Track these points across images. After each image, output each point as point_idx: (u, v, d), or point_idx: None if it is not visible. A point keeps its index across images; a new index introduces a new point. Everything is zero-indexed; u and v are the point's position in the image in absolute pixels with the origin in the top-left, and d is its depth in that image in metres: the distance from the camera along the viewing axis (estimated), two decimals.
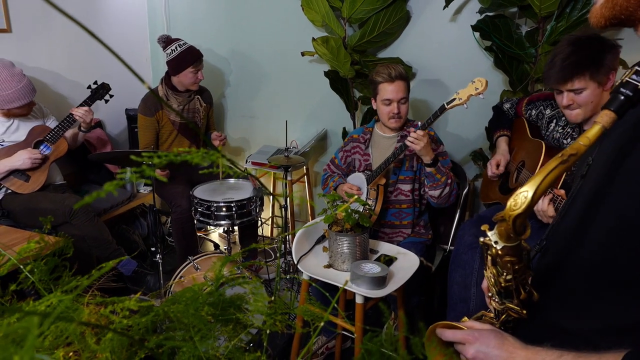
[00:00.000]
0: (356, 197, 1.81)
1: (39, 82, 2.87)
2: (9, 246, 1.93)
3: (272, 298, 0.59)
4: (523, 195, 0.63)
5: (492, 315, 0.88)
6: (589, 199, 0.78)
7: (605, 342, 0.67)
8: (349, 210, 1.71)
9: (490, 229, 0.72)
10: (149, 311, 0.62)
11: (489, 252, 0.73)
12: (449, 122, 2.81)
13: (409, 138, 1.96)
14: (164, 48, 2.79)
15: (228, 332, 0.67)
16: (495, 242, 0.70)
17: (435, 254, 2.40)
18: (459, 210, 2.39)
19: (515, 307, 0.78)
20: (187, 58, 2.76)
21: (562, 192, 1.54)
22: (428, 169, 2.04)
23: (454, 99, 1.91)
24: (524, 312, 0.78)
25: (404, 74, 2.09)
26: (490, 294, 0.84)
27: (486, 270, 0.81)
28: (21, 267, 0.65)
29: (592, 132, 0.64)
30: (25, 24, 2.76)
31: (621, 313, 0.71)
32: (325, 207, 1.77)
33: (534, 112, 2.00)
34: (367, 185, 2.16)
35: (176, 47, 2.77)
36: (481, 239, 0.73)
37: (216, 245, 3.35)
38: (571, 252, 0.79)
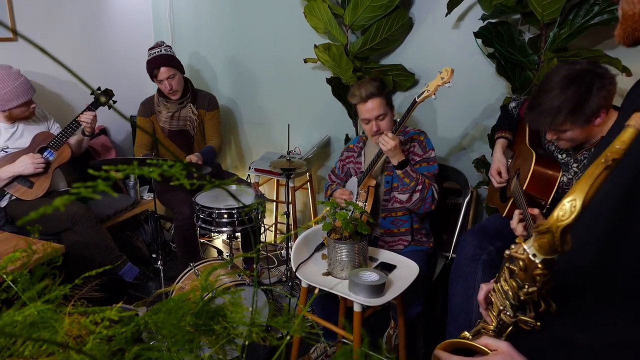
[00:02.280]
0: (351, 202, 1.81)
1: (45, 89, 2.91)
2: (10, 253, 1.95)
3: (250, 309, 0.59)
4: (571, 204, 0.59)
5: (491, 327, 0.87)
6: (598, 209, 0.75)
7: (613, 358, 0.65)
8: (347, 218, 1.71)
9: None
10: (130, 321, 0.62)
11: (511, 265, 0.69)
12: (451, 129, 2.80)
13: (379, 139, 1.99)
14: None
15: (211, 342, 0.66)
16: (534, 256, 0.64)
17: (437, 262, 2.38)
18: (461, 218, 2.37)
19: (530, 320, 0.76)
20: (147, 69, 2.81)
21: (536, 211, 1.34)
22: (397, 171, 2.05)
23: (424, 92, 1.93)
24: (539, 324, 0.75)
25: (377, 90, 2.05)
26: (502, 307, 0.81)
27: (498, 283, 0.78)
28: (4, 276, 0.65)
29: (627, 135, 0.61)
30: (30, 32, 2.79)
31: (632, 326, 0.70)
32: (325, 214, 1.77)
33: None
34: (358, 187, 2.16)
35: (148, 55, 2.82)
36: (507, 252, 0.69)
37: (219, 252, 3.35)
38: (580, 263, 0.78)
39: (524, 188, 1.74)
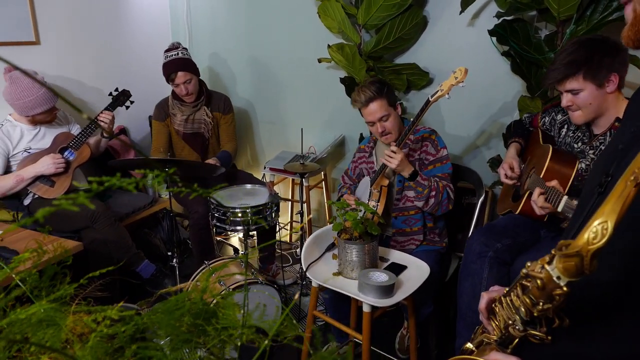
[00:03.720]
0: (361, 202, 1.82)
1: (66, 91, 2.99)
2: (44, 247, 2.02)
3: (242, 311, 0.60)
4: (602, 226, 0.55)
5: (494, 338, 0.86)
6: (622, 222, 0.74)
7: None
8: (357, 218, 1.71)
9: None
10: (130, 321, 0.64)
11: (526, 281, 0.67)
12: (466, 128, 2.77)
13: (385, 156, 2.01)
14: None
15: (207, 343, 0.68)
16: (558, 278, 0.61)
17: (451, 262, 2.37)
18: (475, 218, 2.35)
19: (541, 335, 0.73)
20: (164, 73, 2.84)
21: (554, 182, 1.59)
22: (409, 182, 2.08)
23: (437, 92, 1.92)
24: (549, 337, 0.73)
25: (376, 93, 2.06)
26: (511, 321, 0.78)
27: (508, 297, 0.76)
28: (13, 275, 0.68)
29: None
30: (52, 36, 2.87)
31: (638, 341, 0.69)
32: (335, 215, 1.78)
33: (547, 119, 1.98)
34: (370, 187, 2.16)
35: (164, 58, 2.84)
36: (524, 271, 0.67)
37: (236, 250, 3.39)
38: (600, 277, 0.76)
39: (542, 175, 1.73)
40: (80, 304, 0.69)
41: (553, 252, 0.60)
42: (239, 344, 0.55)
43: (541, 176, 1.72)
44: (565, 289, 0.60)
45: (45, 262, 0.83)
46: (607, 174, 0.74)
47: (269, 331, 0.70)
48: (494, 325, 0.86)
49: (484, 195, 2.33)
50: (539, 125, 2.05)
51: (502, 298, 0.78)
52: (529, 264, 0.65)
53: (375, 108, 2.08)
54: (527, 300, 0.67)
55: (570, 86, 1.62)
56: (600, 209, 0.56)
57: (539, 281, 0.62)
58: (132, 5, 3.37)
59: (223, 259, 2.49)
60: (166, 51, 2.85)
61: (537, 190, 1.61)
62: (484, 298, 0.89)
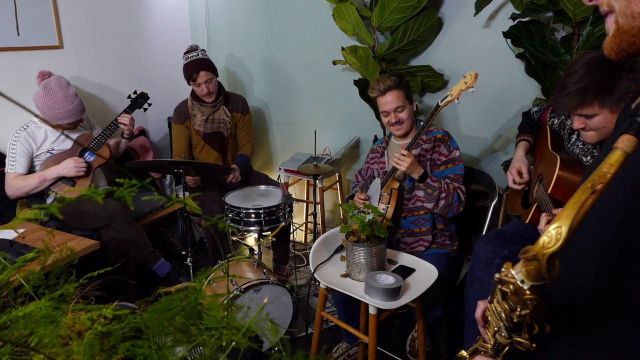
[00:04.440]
0: (370, 205, 1.82)
1: (87, 94, 3.08)
2: (51, 247, 2.09)
3: (226, 313, 0.63)
4: (557, 231, 0.57)
5: (489, 346, 0.86)
6: (598, 230, 0.73)
7: None
8: (365, 221, 1.72)
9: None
10: (123, 319, 0.67)
11: (503, 287, 0.68)
12: (481, 130, 2.75)
13: (394, 159, 2.03)
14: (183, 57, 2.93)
15: (201, 342, 0.71)
16: (522, 282, 0.62)
17: (463, 266, 2.35)
18: (487, 221, 2.33)
19: (525, 342, 0.74)
20: (184, 74, 2.89)
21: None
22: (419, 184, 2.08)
23: (447, 96, 1.91)
24: (534, 345, 0.73)
25: (396, 83, 2.11)
26: (496, 328, 0.79)
27: (493, 303, 0.77)
28: (17, 274, 0.72)
29: (614, 158, 0.59)
30: (75, 40, 2.97)
31: (626, 351, 0.68)
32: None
33: (556, 120, 1.93)
34: (381, 189, 2.17)
35: (184, 60, 2.90)
36: (497, 275, 0.68)
37: (251, 250, 3.43)
38: (572, 283, 0.76)
39: (549, 192, 1.70)
40: (79, 302, 0.72)
41: (519, 256, 0.61)
42: (223, 344, 0.58)
43: (549, 191, 1.68)
44: (528, 292, 0.61)
45: (52, 262, 0.87)
46: None
47: (259, 334, 0.72)
48: (489, 334, 0.86)
49: (497, 199, 2.31)
50: (547, 124, 2.01)
51: (489, 305, 0.79)
52: (503, 269, 0.66)
53: (392, 98, 2.12)
54: (506, 306, 0.69)
55: (585, 112, 1.53)
56: (558, 215, 0.58)
57: (511, 286, 0.64)
58: (152, 9, 3.45)
59: (236, 259, 2.53)
60: (186, 53, 2.92)
61: (544, 218, 1.51)
62: (480, 307, 0.89)
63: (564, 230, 0.56)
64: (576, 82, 1.48)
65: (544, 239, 0.58)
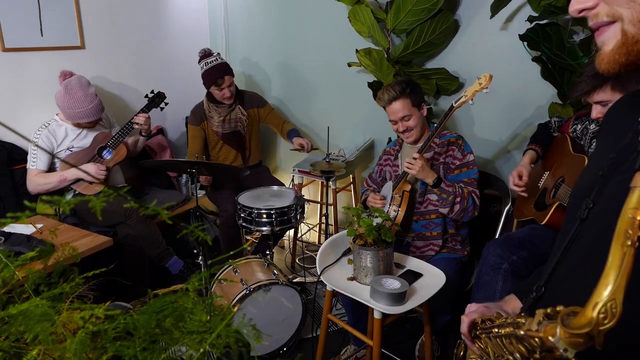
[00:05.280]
0: (378, 209, 1.82)
1: (107, 93, 3.15)
2: (66, 243, 2.15)
3: (209, 317, 0.64)
4: (611, 305, 0.51)
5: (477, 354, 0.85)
6: (593, 246, 0.71)
7: None
8: (371, 225, 1.72)
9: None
10: (114, 319, 0.69)
11: (526, 343, 0.64)
12: (498, 133, 2.71)
13: (405, 163, 2.02)
14: (198, 61, 2.94)
15: (191, 344, 0.72)
16: (565, 350, 0.57)
17: (474, 271, 2.33)
18: (500, 226, 2.30)
19: None
20: (206, 79, 2.92)
21: None
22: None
23: (461, 97, 1.90)
24: None
25: (400, 92, 2.10)
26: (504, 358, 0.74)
27: (498, 339, 0.74)
28: (16, 273, 0.75)
29: (634, 200, 0.53)
30: (96, 41, 3.04)
31: None
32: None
33: (579, 127, 1.91)
34: (392, 191, 2.16)
35: (203, 65, 2.92)
36: (521, 333, 0.64)
37: (263, 250, 3.46)
38: (572, 302, 0.74)
39: None
40: (74, 301, 0.75)
41: (556, 321, 0.56)
42: (207, 348, 0.59)
43: None
44: (572, 357, 0.57)
45: (55, 261, 0.90)
46: (588, 201, 0.72)
47: (247, 339, 0.73)
48: (479, 346, 0.84)
49: (510, 204, 2.29)
50: (568, 132, 1.99)
51: (490, 337, 0.75)
52: (522, 320, 0.63)
53: (398, 108, 2.11)
54: (522, 348, 0.65)
55: (599, 98, 1.56)
56: (602, 282, 0.52)
57: (538, 340, 0.60)
58: (172, 11, 3.51)
59: (248, 258, 2.56)
60: (203, 58, 2.94)
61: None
62: (465, 322, 0.88)
63: (619, 302, 0.51)
64: (591, 69, 1.54)
65: (598, 316, 0.52)
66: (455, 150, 2.14)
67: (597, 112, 1.61)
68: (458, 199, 2.02)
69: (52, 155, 2.63)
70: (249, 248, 2.95)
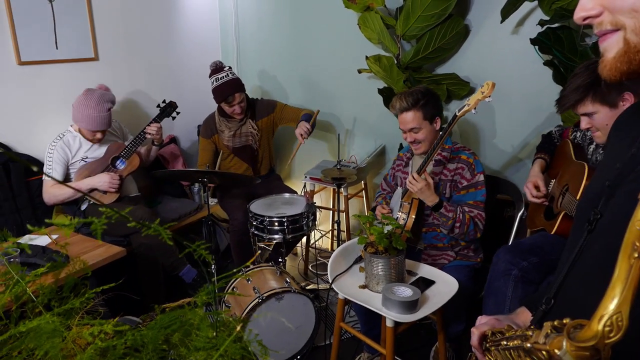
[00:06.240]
0: (388, 216, 1.81)
1: (120, 103, 3.19)
2: (80, 254, 2.17)
3: (215, 333, 0.64)
4: (617, 318, 0.51)
5: None
6: (602, 258, 0.70)
7: None
8: (382, 232, 1.71)
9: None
10: (122, 335, 0.70)
11: (533, 356, 0.64)
12: (510, 138, 2.68)
13: (408, 178, 2.02)
14: (209, 75, 2.94)
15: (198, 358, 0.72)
16: None
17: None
18: (513, 232, 2.28)
19: None
20: (217, 95, 2.91)
21: None
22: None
23: (464, 106, 1.87)
24: None
25: (411, 104, 2.06)
26: None
27: (507, 351, 0.73)
28: (27, 289, 0.76)
29: None
30: (110, 52, 3.09)
31: None
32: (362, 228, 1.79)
33: (578, 134, 1.91)
34: (402, 198, 2.15)
35: (214, 81, 2.91)
36: (528, 345, 0.64)
37: (276, 258, 3.46)
38: (580, 315, 0.73)
39: (578, 198, 1.66)
40: (84, 317, 0.75)
41: (562, 334, 0.56)
42: None
43: (577, 197, 1.65)
44: None
45: (66, 275, 0.91)
46: (595, 211, 0.71)
47: (254, 356, 0.73)
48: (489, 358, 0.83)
49: (523, 209, 2.26)
50: (569, 138, 1.98)
51: (499, 350, 0.74)
52: (529, 333, 0.63)
53: (408, 119, 2.09)
54: None
55: (583, 110, 1.60)
56: (609, 294, 0.51)
57: (545, 353, 0.60)
58: (184, 21, 3.55)
59: (260, 266, 2.56)
60: (214, 73, 2.92)
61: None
62: (475, 334, 0.87)
63: (625, 315, 0.50)
64: (572, 83, 1.59)
65: (604, 329, 0.51)
66: (465, 169, 2.08)
67: (585, 123, 1.64)
68: (457, 224, 1.99)
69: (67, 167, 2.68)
70: (259, 260, 2.95)
